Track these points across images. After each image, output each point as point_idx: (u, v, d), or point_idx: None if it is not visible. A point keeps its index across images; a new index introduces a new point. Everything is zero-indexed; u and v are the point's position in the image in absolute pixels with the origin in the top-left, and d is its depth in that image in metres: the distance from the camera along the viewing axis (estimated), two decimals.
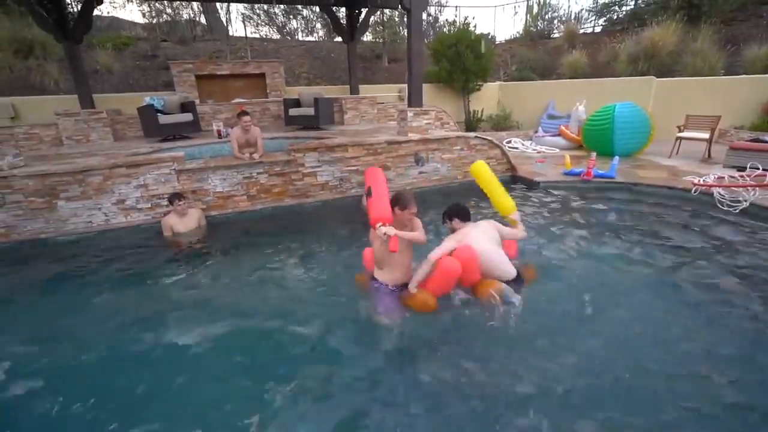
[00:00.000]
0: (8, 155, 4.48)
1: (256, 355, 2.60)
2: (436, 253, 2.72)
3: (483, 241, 2.87)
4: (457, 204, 3.08)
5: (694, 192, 5.06)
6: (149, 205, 4.93)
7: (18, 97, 8.05)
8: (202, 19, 14.76)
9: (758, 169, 4.33)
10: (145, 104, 7.00)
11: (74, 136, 7.14)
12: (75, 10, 9.08)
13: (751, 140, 6.33)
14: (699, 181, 5.06)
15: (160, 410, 2.18)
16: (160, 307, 3.18)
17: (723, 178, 4.73)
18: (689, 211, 4.78)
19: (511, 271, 2.89)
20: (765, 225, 4.17)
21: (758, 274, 3.29)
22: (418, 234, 2.79)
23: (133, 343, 2.72)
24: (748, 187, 4.34)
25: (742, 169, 5.45)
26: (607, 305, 2.98)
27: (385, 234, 2.58)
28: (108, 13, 14.27)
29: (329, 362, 2.50)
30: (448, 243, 2.79)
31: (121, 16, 15.44)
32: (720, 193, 4.59)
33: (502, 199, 3.36)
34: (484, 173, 3.45)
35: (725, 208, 4.51)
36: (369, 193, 2.79)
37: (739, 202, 4.40)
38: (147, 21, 13.94)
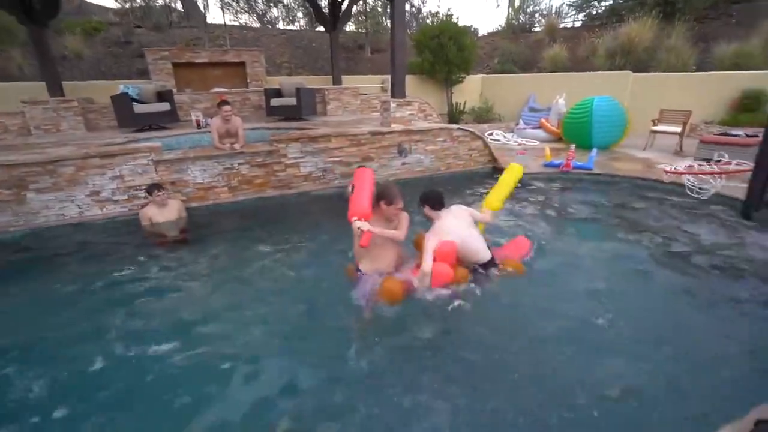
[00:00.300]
0: None
1: (238, 347, 2.57)
2: (428, 263, 2.72)
3: (459, 227, 2.91)
4: (432, 190, 3.01)
5: (666, 180, 5.31)
6: (126, 197, 4.78)
7: None
8: (179, 5, 14.25)
9: (724, 157, 4.60)
10: (119, 93, 6.74)
11: (43, 125, 6.82)
12: None
13: (720, 134, 6.61)
14: (671, 169, 5.33)
15: (135, 407, 2.14)
16: (138, 300, 3.09)
17: (692, 166, 5.00)
18: (661, 200, 5.00)
19: (485, 255, 2.95)
20: (729, 211, 4.42)
21: (720, 252, 3.58)
22: (395, 232, 2.79)
23: (108, 338, 2.64)
24: (715, 175, 4.59)
25: (710, 159, 5.74)
26: (584, 288, 3.10)
27: (359, 229, 2.61)
28: None
29: (315, 351, 2.51)
30: (431, 244, 2.79)
31: (91, 0, 14.75)
32: (689, 180, 4.84)
33: (502, 198, 3.45)
34: (515, 176, 3.60)
35: (695, 195, 4.76)
36: (352, 190, 2.81)
37: (706, 189, 4.66)
38: (119, 6, 13.37)
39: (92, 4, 14.54)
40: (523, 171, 3.64)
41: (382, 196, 2.75)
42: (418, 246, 3.13)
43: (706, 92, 8.73)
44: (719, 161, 4.72)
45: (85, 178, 4.55)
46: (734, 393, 2.07)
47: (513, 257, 3.21)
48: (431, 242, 2.79)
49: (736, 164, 4.50)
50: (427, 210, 2.96)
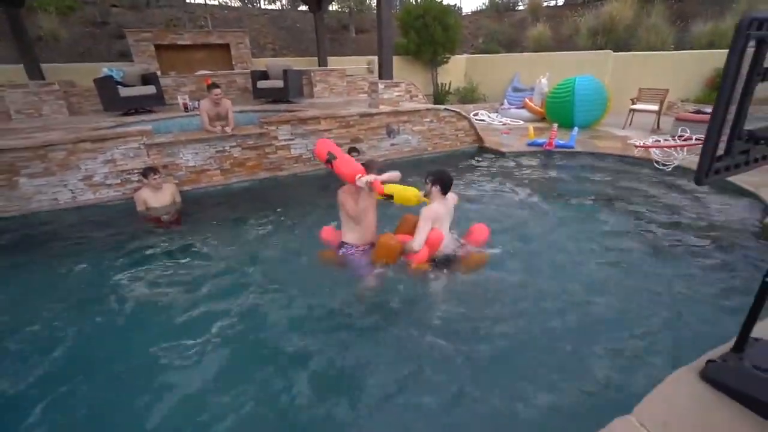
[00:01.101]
0: None
1: (233, 331, 2.60)
2: (418, 243, 2.82)
3: (447, 220, 3.00)
4: (445, 172, 2.95)
5: (636, 154, 5.78)
6: (119, 181, 4.81)
7: None
8: None
9: (687, 132, 5.07)
10: (103, 75, 6.62)
11: (24, 109, 6.68)
12: None
13: (695, 112, 6.92)
14: (640, 144, 5.77)
15: (131, 392, 2.16)
16: (133, 283, 3.16)
17: (659, 140, 5.44)
18: (636, 174, 5.39)
19: (449, 248, 3.05)
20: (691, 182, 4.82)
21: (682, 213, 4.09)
22: (395, 173, 2.96)
23: (104, 321, 2.71)
24: (677, 148, 5.04)
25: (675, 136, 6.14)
26: (566, 263, 3.33)
27: (367, 182, 2.74)
28: None
29: (311, 333, 2.58)
30: (425, 226, 2.84)
31: None
32: (656, 154, 5.23)
33: (406, 192, 3.07)
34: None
35: (661, 167, 5.18)
36: (331, 158, 2.84)
37: (670, 162, 5.11)
38: None
39: None
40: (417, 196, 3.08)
41: (369, 167, 2.89)
42: (402, 228, 3.18)
43: (683, 71, 9.03)
44: (682, 136, 5.14)
45: (77, 163, 4.56)
46: (695, 341, 2.37)
47: (472, 245, 3.17)
48: (428, 225, 2.84)
49: (697, 139, 4.89)
50: (435, 191, 2.90)
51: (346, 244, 3.08)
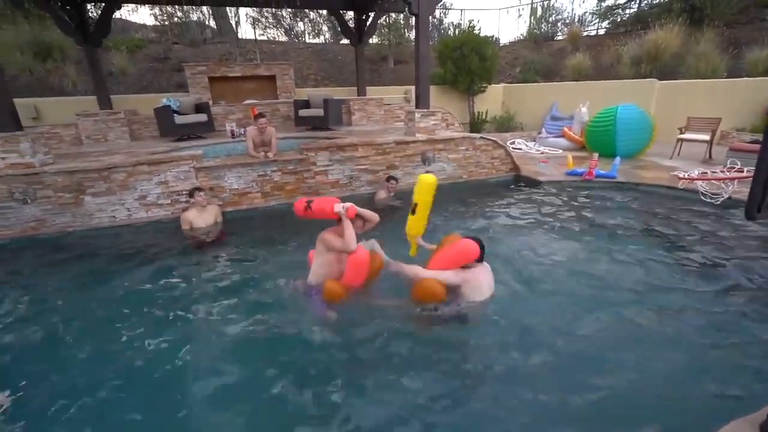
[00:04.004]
0: (39, 153, 4.74)
1: (271, 350, 2.70)
2: (425, 274, 2.79)
3: (489, 287, 2.93)
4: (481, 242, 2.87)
5: (681, 186, 5.43)
6: (169, 201, 5.17)
7: (39, 98, 8.35)
8: (212, 22, 15.07)
9: (737, 164, 4.76)
10: (162, 105, 7.26)
11: (93, 135, 7.42)
12: (95, 15, 9.34)
13: (751, 142, 6.50)
14: (684, 175, 5.43)
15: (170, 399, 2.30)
16: (178, 297, 3.35)
17: (706, 173, 5.11)
18: (682, 207, 5.03)
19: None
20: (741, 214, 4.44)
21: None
22: (374, 215, 2.98)
23: (148, 329, 2.90)
24: (727, 180, 4.70)
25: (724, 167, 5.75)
26: (601, 301, 3.13)
27: (343, 207, 2.82)
28: (121, 16, 14.58)
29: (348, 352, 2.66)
30: (454, 278, 2.79)
31: (131, 19, 15.78)
32: (703, 186, 4.94)
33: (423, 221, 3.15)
34: (427, 189, 3.09)
35: (708, 200, 4.86)
36: (309, 203, 2.89)
37: (719, 194, 4.79)
38: (158, 23, 14.26)
39: (132, 22, 15.56)
40: (435, 181, 3.08)
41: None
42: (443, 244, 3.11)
43: (738, 99, 8.54)
44: (732, 168, 4.83)
45: (134, 184, 4.97)
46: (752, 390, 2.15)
47: (449, 265, 2.86)
48: (455, 278, 2.81)
49: (748, 170, 4.57)
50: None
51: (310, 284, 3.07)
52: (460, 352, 2.67)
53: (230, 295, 3.37)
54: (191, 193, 4.73)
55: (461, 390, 2.31)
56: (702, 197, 4.91)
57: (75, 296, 3.52)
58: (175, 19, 14.08)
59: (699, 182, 4.95)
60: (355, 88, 10.25)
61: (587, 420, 2.06)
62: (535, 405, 2.15)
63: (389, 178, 5.54)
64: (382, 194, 5.58)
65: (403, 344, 2.64)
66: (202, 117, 7.44)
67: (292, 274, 3.56)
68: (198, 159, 5.20)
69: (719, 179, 4.82)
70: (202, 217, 4.80)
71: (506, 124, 11.03)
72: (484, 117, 11.16)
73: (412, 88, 7.43)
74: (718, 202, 4.78)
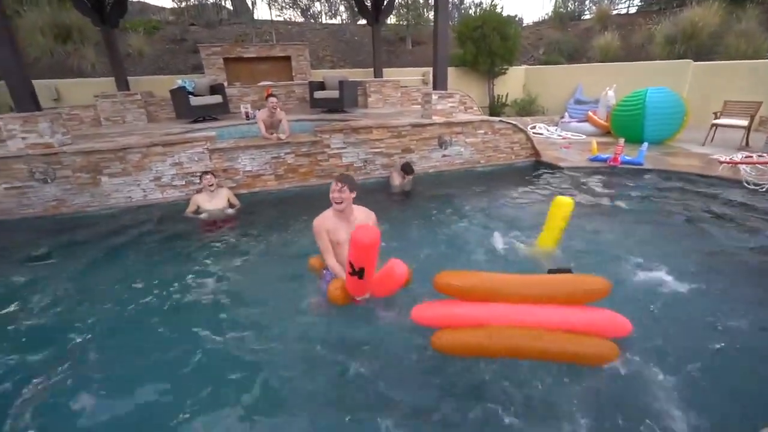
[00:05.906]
0: (57, 133, 4.78)
1: (278, 330, 2.66)
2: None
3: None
4: None
5: (720, 170, 5.05)
6: (183, 182, 5.18)
7: (59, 79, 8.45)
8: (228, 3, 14.93)
9: None
10: (177, 86, 7.24)
11: (111, 117, 7.49)
12: None
13: None
14: (726, 159, 5.02)
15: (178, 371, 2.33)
16: (188, 277, 3.35)
17: (751, 156, 4.71)
18: (716, 196, 4.66)
19: None
20: None
21: None
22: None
23: (160, 306, 2.96)
24: None
25: None
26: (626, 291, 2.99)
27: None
28: None
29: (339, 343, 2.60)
30: None
31: (149, 1, 15.77)
32: (747, 171, 4.57)
33: (554, 238, 3.33)
34: (562, 213, 3.21)
35: (751, 187, 4.49)
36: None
37: (765, 182, 4.41)
38: (175, 5, 14.20)
39: (151, 4, 15.55)
40: (572, 205, 3.13)
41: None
42: None
43: None
44: None
45: (149, 165, 4.98)
46: None
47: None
48: None
49: None
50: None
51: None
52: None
53: (239, 279, 3.34)
54: (200, 177, 4.70)
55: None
56: (745, 185, 4.52)
57: (92, 275, 3.56)
58: (192, 0, 13.99)
59: (743, 166, 4.56)
60: (372, 69, 10.01)
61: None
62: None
63: (404, 169, 5.30)
64: (396, 179, 5.45)
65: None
66: (217, 98, 7.40)
67: (302, 263, 3.49)
68: (212, 140, 5.16)
69: (766, 162, 4.44)
70: (212, 201, 4.77)
71: (527, 108, 10.63)
72: (504, 100, 10.78)
73: (431, 70, 7.17)
74: (765, 189, 4.39)
